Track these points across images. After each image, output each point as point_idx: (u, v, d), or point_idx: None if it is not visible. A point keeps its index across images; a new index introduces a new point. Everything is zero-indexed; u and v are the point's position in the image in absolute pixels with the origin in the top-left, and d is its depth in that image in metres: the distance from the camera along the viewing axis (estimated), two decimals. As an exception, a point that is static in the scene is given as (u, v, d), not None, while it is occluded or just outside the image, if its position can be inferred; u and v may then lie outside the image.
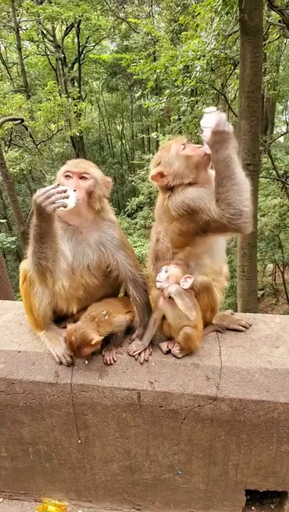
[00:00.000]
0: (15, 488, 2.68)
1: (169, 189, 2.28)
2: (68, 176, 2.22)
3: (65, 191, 1.98)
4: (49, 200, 1.94)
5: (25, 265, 2.43)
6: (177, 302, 2.15)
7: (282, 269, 16.48)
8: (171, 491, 2.50)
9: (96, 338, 2.18)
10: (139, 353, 2.33)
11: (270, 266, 18.01)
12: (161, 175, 2.27)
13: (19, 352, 2.42)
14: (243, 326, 2.52)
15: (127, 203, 19.17)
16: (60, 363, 2.33)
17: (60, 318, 2.59)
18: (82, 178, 2.22)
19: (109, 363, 2.32)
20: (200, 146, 2.23)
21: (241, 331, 2.52)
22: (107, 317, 2.33)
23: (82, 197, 2.18)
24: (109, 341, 2.38)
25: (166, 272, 2.19)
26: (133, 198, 18.71)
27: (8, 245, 16.73)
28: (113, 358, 2.32)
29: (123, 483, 2.53)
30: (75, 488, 2.61)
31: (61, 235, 2.22)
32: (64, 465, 2.52)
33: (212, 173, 2.22)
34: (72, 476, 2.56)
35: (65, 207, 1.99)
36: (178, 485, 2.47)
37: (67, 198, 1.99)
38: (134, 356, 2.34)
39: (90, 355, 2.32)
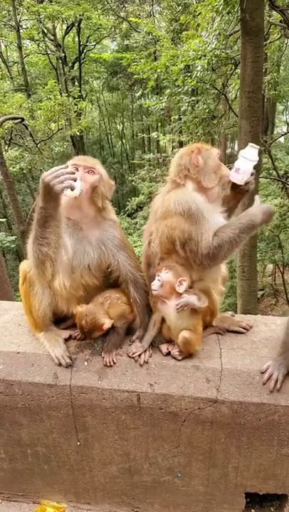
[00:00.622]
0: (13, 490, 2.66)
1: (178, 184, 2.30)
2: (75, 168, 2.23)
3: (73, 173, 2.03)
4: (58, 179, 1.97)
5: (25, 266, 2.41)
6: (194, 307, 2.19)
7: (282, 270, 16.47)
8: (171, 494, 2.49)
9: (107, 322, 2.21)
10: (139, 355, 2.31)
11: (270, 266, 18.01)
12: (196, 163, 2.26)
13: (18, 353, 2.40)
14: (244, 328, 2.51)
15: (127, 203, 19.15)
16: (60, 365, 2.32)
17: (59, 320, 2.57)
18: (88, 172, 2.23)
19: (109, 364, 2.31)
20: (230, 170, 2.35)
21: (242, 332, 2.50)
22: (115, 300, 2.35)
23: (86, 189, 2.18)
24: (108, 340, 2.37)
25: (158, 280, 2.20)
26: (133, 198, 18.69)
27: (7, 244, 16.71)
28: (113, 360, 2.31)
29: (122, 486, 2.52)
30: (73, 490, 2.59)
31: (63, 228, 2.23)
32: (63, 467, 2.51)
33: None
34: (71, 478, 2.55)
35: (72, 189, 2.02)
36: (177, 487, 2.45)
37: (75, 180, 2.03)
38: (133, 358, 2.32)
39: (89, 355, 2.33)
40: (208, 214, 2.19)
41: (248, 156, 2.26)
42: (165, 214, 2.25)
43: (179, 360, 2.29)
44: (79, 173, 2.20)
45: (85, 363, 2.33)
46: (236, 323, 2.52)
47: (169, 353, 2.33)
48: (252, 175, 2.30)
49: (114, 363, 2.32)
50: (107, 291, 2.42)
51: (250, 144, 2.28)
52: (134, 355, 2.32)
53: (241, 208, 2.46)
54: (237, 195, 2.42)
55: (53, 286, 2.31)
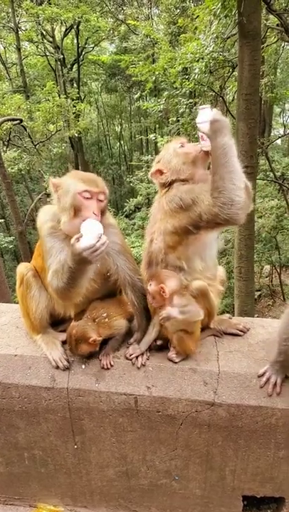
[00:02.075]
0: (10, 493, 2.65)
1: (167, 186, 2.34)
2: (87, 196, 2.13)
3: (105, 242, 1.98)
4: (95, 254, 1.96)
5: (23, 268, 2.41)
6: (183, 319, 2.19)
7: (279, 271, 16.49)
8: (168, 497, 2.48)
9: (94, 336, 2.21)
10: (137, 358, 2.31)
11: (267, 267, 18.03)
12: (160, 172, 2.35)
13: (15, 356, 2.40)
14: (241, 331, 2.51)
15: (125, 204, 19.16)
16: (57, 367, 2.31)
17: (56, 322, 2.57)
18: (99, 198, 2.17)
19: (106, 367, 2.30)
20: (197, 144, 2.31)
21: (239, 335, 2.50)
22: (107, 320, 2.34)
23: (100, 218, 2.15)
24: (107, 344, 2.37)
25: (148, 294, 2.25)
26: (131, 199, 18.69)
27: (5, 245, 16.70)
28: (110, 363, 2.31)
29: (119, 489, 2.51)
30: (70, 494, 2.59)
31: (64, 247, 2.22)
32: (60, 470, 2.50)
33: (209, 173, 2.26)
34: (68, 482, 2.54)
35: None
36: (174, 490, 2.45)
37: (106, 242, 1.99)
38: (131, 360, 2.32)
39: (86, 357, 2.32)
40: (201, 189, 2.16)
41: (203, 119, 2.15)
42: (164, 215, 2.29)
43: (176, 362, 2.28)
44: (93, 202, 2.13)
45: (83, 366, 2.33)
46: (234, 326, 2.52)
47: (161, 346, 2.35)
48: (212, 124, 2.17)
49: (112, 366, 2.31)
50: (103, 306, 2.40)
51: (199, 107, 2.22)
52: (131, 358, 2.32)
53: None
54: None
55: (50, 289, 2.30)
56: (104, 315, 2.34)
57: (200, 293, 2.32)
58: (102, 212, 2.20)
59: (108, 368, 2.30)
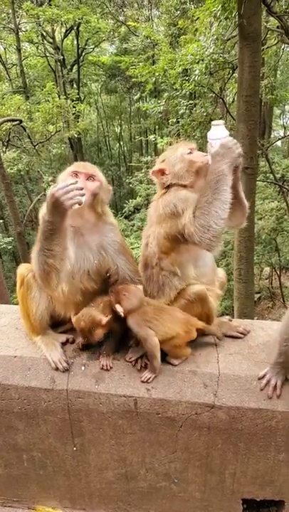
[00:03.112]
0: (8, 495, 2.64)
1: (166, 187, 2.36)
2: (75, 175, 2.21)
3: (82, 188, 2.00)
4: (68, 196, 1.94)
5: (23, 269, 2.40)
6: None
7: (278, 273, 16.50)
8: (167, 500, 2.47)
9: (104, 318, 2.21)
10: (136, 360, 2.30)
11: (267, 269, 18.04)
12: (162, 172, 2.35)
13: (15, 357, 2.38)
14: (241, 333, 2.50)
15: (125, 205, 19.14)
16: (56, 369, 2.30)
17: (56, 323, 2.56)
18: (89, 179, 2.21)
19: (105, 368, 2.29)
20: (206, 154, 2.28)
21: (239, 337, 2.50)
22: (108, 303, 2.33)
23: (88, 198, 2.16)
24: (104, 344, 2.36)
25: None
26: (130, 200, 18.68)
27: (4, 246, 16.67)
28: (110, 364, 2.30)
29: (118, 491, 2.50)
30: (69, 496, 2.57)
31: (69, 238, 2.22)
32: (58, 472, 2.49)
33: None
34: (67, 484, 2.53)
35: (80, 204, 2.01)
36: (174, 493, 2.44)
37: (83, 195, 2.01)
38: (131, 363, 2.31)
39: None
40: (193, 202, 2.18)
41: (214, 137, 2.17)
42: (159, 219, 2.32)
43: (175, 365, 2.28)
44: (80, 180, 2.18)
45: (82, 368, 2.32)
46: (234, 328, 2.52)
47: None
48: (222, 145, 2.17)
49: (111, 367, 2.30)
50: (100, 297, 2.40)
51: (212, 122, 2.21)
52: (131, 360, 2.31)
53: (240, 190, 2.36)
54: None
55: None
56: (105, 299, 2.33)
57: (198, 297, 2.32)
58: (95, 196, 2.20)
59: (108, 369, 2.29)
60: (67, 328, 2.54)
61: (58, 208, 1.96)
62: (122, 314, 2.19)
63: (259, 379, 2.19)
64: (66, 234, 2.10)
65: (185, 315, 2.29)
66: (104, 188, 2.28)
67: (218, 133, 2.16)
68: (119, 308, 2.19)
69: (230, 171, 2.10)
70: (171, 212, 2.22)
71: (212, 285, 2.50)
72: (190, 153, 2.33)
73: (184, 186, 2.31)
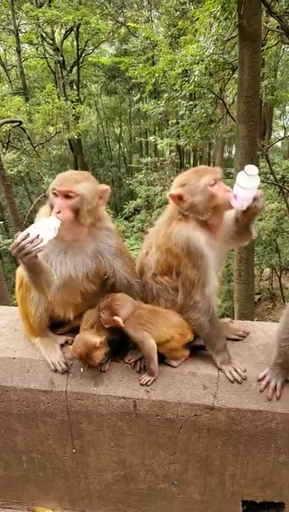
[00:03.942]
0: (7, 497, 2.63)
1: (182, 215, 2.23)
2: (55, 193, 2.14)
3: (37, 236, 1.94)
4: (22, 252, 1.92)
5: (22, 271, 2.39)
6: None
7: (279, 274, 16.49)
8: (167, 501, 2.46)
9: (98, 339, 2.16)
10: (136, 362, 2.30)
11: (267, 270, 18.02)
12: (180, 198, 2.19)
13: (14, 358, 2.38)
14: (241, 336, 2.49)
15: (125, 206, 19.14)
16: (55, 371, 2.29)
17: (56, 324, 2.55)
18: (67, 196, 2.11)
19: (102, 370, 2.29)
20: (229, 190, 2.14)
21: (238, 340, 2.49)
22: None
23: (68, 216, 2.09)
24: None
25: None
26: (130, 201, 18.67)
27: (4, 247, 16.65)
28: (106, 367, 2.30)
29: (118, 493, 2.49)
30: (68, 498, 2.57)
31: (56, 252, 2.24)
32: (58, 474, 2.48)
33: (228, 216, 2.27)
34: (66, 485, 2.52)
35: (41, 250, 1.97)
36: (173, 495, 2.43)
37: (40, 242, 1.94)
38: (130, 364, 2.31)
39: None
40: (208, 254, 2.16)
41: (244, 185, 2.01)
42: (166, 243, 2.24)
43: (174, 367, 2.27)
44: (58, 199, 2.11)
45: (81, 369, 2.31)
46: (233, 331, 2.50)
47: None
48: (255, 199, 2.06)
49: (107, 369, 2.30)
50: (93, 312, 2.36)
51: (246, 168, 2.00)
52: (130, 362, 2.31)
53: (252, 224, 2.32)
54: (246, 215, 2.20)
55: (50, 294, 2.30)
56: (94, 317, 2.31)
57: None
58: (77, 211, 2.11)
59: (104, 371, 2.29)
60: (66, 331, 2.54)
61: (23, 260, 1.96)
62: (122, 324, 2.17)
63: (259, 380, 2.19)
64: (44, 270, 2.12)
65: (180, 317, 2.28)
66: (87, 200, 2.14)
67: (251, 183, 2.01)
68: (118, 319, 2.16)
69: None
70: (179, 250, 2.16)
71: None
72: (214, 184, 2.16)
73: (202, 222, 2.19)
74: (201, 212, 2.17)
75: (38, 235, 1.94)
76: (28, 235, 1.93)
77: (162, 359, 2.27)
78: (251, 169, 1.99)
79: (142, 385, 2.22)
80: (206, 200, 2.15)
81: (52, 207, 2.12)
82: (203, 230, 2.21)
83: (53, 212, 2.09)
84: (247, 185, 2.01)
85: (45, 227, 2.00)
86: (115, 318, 2.17)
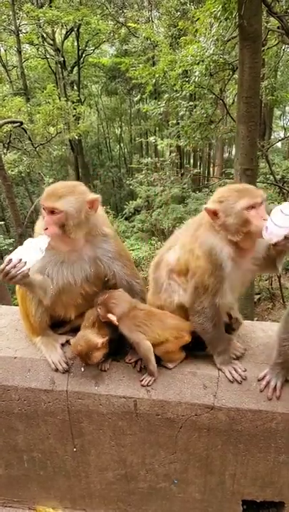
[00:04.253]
0: (8, 496, 2.64)
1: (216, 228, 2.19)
2: (44, 208, 2.15)
3: (20, 260, 2.00)
4: (8, 277, 1.99)
5: None
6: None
7: (278, 274, 16.47)
8: (167, 501, 2.47)
9: (99, 340, 2.17)
10: (136, 362, 2.31)
11: (267, 270, 18.00)
12: (215, 213, 2.14)
13: (15, 358, 2.39)
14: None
15: (125, 206, 19.15)
16: (56, 370, 2.31)
17: (56, 324, 2.56)
18: (52, 212, 2.11)
19: (103, 369, 2.30)
20: (265, 219, 2.05)
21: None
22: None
23: (55, 231, 2.11)
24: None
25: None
26: (131, 202, 18.67)
27: (5, 247, 16.67)
28: (107, 366, 2.31)
29: (118, 492, 2.50)
30: (69, 497, 2.58)
31: (52, 262, 2.27)
32: (59, 473, 2.49)
33: (261, 242, 2.20)
34: (67, 484, 2.53)
35: (27, 274, 2.04)
36: (174, 494, 2.44)
37: (23, 265, 2.01)
38: (130, 364, 2.32)
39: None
40: (229, 269, 2.14)
41: (277, 222, 1.97)
42: (191, 244, 2.24)
43: (170, 368, 2.28)
44: (46, 215, 2.13)
45: (82, 369, 2.32)
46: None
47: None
48: (286, 238, 1.97)
49: (108, 368, 2.31)
50: (94, 310, 2.37)
51: (283, 206, 1.98)
52: (130, 362, 2.32)
53: (283, 257, 2.29)
54: (275, 248, 2.16)
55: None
56: (96, 314, 2.31)
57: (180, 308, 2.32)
58: (63, 226, 2.11)
59: (105, 370, 2.30)
60: (67, 330, 2.55)
61: (11, 283, 2.03)
62: (116, 322, 2.18)
63: (259, 380, 2.19)
64: (37, 285, 2.20)
65: (176, 320, 2.28)
66: (72, 215, 2.11)
67: (285, 222, 1.96)
68: (112, 317, 2.18)
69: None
70: (203, 255, 2.15)
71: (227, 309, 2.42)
72: (251, 208, 2.08)
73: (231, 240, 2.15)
74: (232, 233, 2.12)
75: (21, 259, 2.00)
76: (11, 260, 2.00)
77: (159, 360, 2.28)
78: (287, 208, 1.97)
79: (143, 385, 2.23)
80: (240, 224, 2.09)
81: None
82: (231, 245, 2.16)
83: (43, 227, 2.13)
84: (280, 223, 1.97)
85: (30, 249, 2.06)
86: (109, 315, 2.19)
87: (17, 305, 2.60)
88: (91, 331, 2.24)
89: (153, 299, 2.45)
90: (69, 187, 2.20)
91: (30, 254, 2.05)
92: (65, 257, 2.28)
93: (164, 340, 2.20)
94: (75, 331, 2.39)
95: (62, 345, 2.42)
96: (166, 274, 2.37)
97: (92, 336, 2.19)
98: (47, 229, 2.10)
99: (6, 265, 1.99)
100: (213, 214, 2.14)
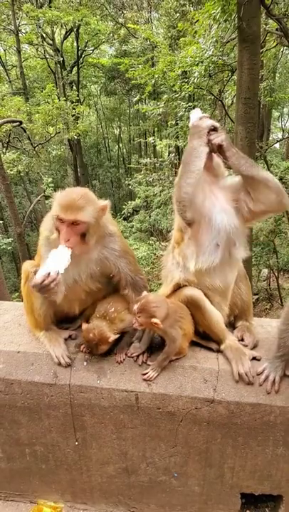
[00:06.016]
0: (10, 490, 2.67)
1: None
2: (60, 221, 2.16)
3: (58, 272, 2.10)
4: (45, 290, 2.09)
5: (28, 266, 2.44)
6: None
7: (276, 274, 16.53)
8: (167, 494, 2.51)
9: (112, 336, 2.25)
10: (138, 356, 2.35)
11: (265, 271, 18.06)
12: None
13: (18, 352, 2.43)
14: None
15: (124, 206, 19.17)
16: (59, 364, 2.34)
17: (60, 319, 2.60)
18: (73, 224, 2.14)
19: (120, 361, 2.34)
20: None
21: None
22: (116, 314, 2.36)
23: (77, 242, 2.16)
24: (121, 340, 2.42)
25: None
26: (129, 202, 18.69)
27: (4, 247, 16.65)
28: (124, 358, 2.36)
29: (119, 485, 2.54)
30: (70, 490, 2.61)
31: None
32: (60, 466, 2.53)
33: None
34: (69, 478, 2.56)
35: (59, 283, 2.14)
36: (173, 488, 2.48)
37: (58, 276, 2.10)
38: (132, 358, 2.36)
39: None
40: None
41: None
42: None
43: (172, 360, 2.32)
44: (64, 227, 2.14)
45: (84, 363, 2.36)
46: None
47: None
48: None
49: (124, 360, 2.36)
50: (108, 301, 2.43)
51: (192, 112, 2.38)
52: (132, 356, 2.36)
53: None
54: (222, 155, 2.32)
55: None
56: (112, 310, 2.36)
57: (189, 301, 2.35)
58: (83, 235, 2.17)
59: (122, 362, 2.34)
60: (73, 327, 2.60)
61: (45, 295, 2.15)
62: (162, 325, 2.16)
63: (258, 374, 2.24)
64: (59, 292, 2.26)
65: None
66: (92, 224, 2.19)
67: (192, 117, 2.33)
68: (157, 321, 2.14)
69: (200, 142, 2.22)
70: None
71: (220, 295, 2.44)
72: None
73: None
74: None
75: (58, 272, 2.09)
76: (49, 274, 2.07)
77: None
78: (192, 111, 2.46)
79: (145, 380, 2.27)
80: None
81: (58, 230, 2.18)
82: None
83: (60, 238, 2.15)
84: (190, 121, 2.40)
85: (58, 259, 2.13)
86: (154, 320, 2.15)
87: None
88: (106, 323, 2.30)
89: (163, 291, 2.53)
90: (84, 197, 2.19)
91: (60, 264, 2.11)
92: (72, 257, 2.30)
93: (187, 333, 2.29)
94: (80, 327, 2.43)
95: (66, 339, 2.46)
96: (171, 252, 2.49)
97: (106, 329, 2.26)
98: (68, 240, 2.13)
99: (45, 279, 2.06)
100: None
